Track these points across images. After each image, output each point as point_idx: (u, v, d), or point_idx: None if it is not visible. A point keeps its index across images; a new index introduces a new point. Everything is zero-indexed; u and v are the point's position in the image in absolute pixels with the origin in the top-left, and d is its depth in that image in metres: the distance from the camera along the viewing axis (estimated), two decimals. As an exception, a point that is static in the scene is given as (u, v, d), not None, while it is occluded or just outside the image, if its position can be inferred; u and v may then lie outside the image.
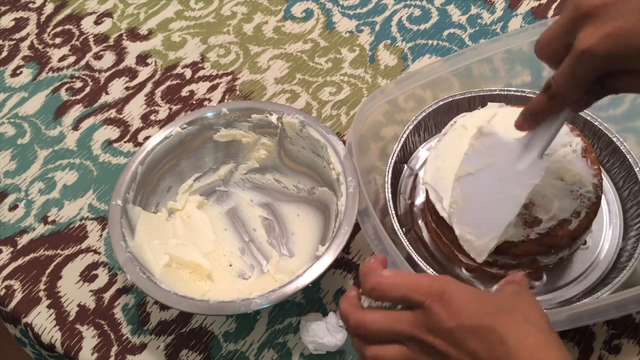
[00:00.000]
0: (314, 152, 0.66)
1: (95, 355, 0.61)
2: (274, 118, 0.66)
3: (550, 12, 0.86)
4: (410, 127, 0.70)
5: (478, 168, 0.56)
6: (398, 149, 0.68)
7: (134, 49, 0.86)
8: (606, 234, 0.65)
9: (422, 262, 0.60)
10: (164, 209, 0.67)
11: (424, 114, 0.70)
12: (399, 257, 0.56)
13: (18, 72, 0.85)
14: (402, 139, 0.69)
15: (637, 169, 0.65)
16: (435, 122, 0.72)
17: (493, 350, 0.42)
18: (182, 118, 0.67)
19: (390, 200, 0.64)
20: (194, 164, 0.69)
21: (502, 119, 0.61)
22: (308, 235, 0.67)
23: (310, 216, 0.68)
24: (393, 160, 0.67)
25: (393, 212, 0.63)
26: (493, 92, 0.71)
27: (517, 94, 0.70)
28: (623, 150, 0.66)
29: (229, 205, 0.70)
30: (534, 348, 0.41)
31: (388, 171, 0.67)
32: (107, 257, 0.68)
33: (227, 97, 0.80)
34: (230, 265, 0.65)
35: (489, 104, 0.68)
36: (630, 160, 0.65)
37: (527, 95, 0.70)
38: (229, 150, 0.69)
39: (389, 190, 0.65)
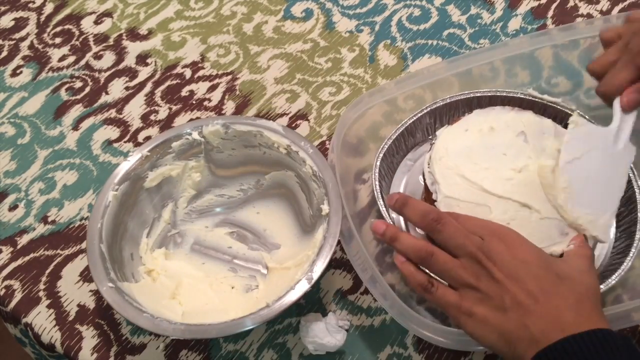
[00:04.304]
0: (247, 147, 0.67)
1: (95, 355, 0.62)
2: (195, 135, 0.65)
3: (550, 12, 0.86)
4: (391, 140, 0.69)
5: (582, 153, 0.59)
6: (379, 161, 0.68)
7: (134, 48, 0.86)
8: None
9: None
10: (141, 275, 0.63)
11: (404, 127, 0.70)
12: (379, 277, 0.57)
13: (18, 72, 0.85)
14: (383, 150, 0.69)
15: (633, 176, 0.65)
16: (416, 131, 0.72)
17: (548, 299, 0.47)
18: (109, 181, 0.63)
19: (381, 199, 0.64)
20: (138, 221, 0.66)
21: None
22: (280, 222, 0.68)
23: (270, 206, 0.69)
24: (376, 175, 0.67)
25: (386, 215, 0.63)
26: (488, 94, 0.71)
27: (516, 96, 0.70)
28: None
29: (188, 243, 0.68)
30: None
31: (375, 184, 0.66)
32: (107, 257, 0.68)
33: (227, 97, 0.80)
34: (233, 288, 0.65)
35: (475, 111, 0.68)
36: None
37: (524, 97, 0.70)
38: (162, 191, 0.67)
39: (379, 190, 0.65)
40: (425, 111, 0.70)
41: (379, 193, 0.65)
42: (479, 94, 0.71)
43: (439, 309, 0.61)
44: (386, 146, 0.68)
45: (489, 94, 0.70)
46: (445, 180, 0.60)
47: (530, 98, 0.69)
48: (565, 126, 0.61)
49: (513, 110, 0.65)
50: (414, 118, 0.70)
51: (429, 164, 0.62)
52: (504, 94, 0.70)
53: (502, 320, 0.48)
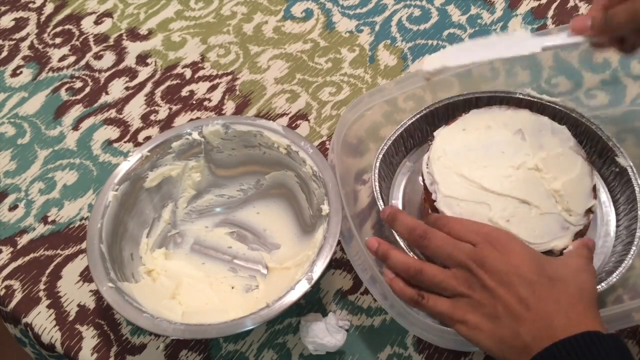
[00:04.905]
0: (247, 147, 0.67)
1: (95, 355, 0.62)
2: (195, 135, 0.66)
3: (550, 12, 0.86)
4: (390, 141, 0.69)
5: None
6: (378, 162, 0.67)
7: (134, 49, 0.86)
8: (600, 223, 0.65)
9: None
10: (141, 276, 0.63)
11: (419, 115, 0.70)
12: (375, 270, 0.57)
13: (18, 72, 0.85)
14: (383, 151, 0.68)
15: (633, 175, 0.65)
16: (415, 132, 0.71)
17: (540, 305, 0.47)
18: (109, 181, 0.63)
19: (381, 200, 0.64)
20: (138, 221, 0.66)
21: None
22: (280, 222, 0.68)
23: (270, 206, 0.69)
24: (376, 176, 0.66)
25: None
26: (487, 95, 0.71)
27: (514, 96, 0.70)
28: (602, 137, 0.66)
29: (188, 243, 0.68)
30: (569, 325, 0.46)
31: (375, 185, 0.65)
32: (107, 257, 0.68)
33: (227, 97, 0.80)
34: (233, 288, 0.64)
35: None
36: (610, 144, 0.65)
37: (523, 97, 0.70)
38: (162, 191, 0.67)
39: (379, 191, 0.65)
40: (424, 112, 0.70)
41: (379, 194, 0.64)
42: (477, 95, 0.70)
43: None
44: (385, 147, 0.68)
45: (488, 95, 0.70)
46: (444, 180, 0.60)
47: (529, 98, 0.69)
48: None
49: (510, 109, 0.65)
50: (413, 119, 0.70)
51: (427, 165, 0.62)
52: (503, 95, 0.70)
53: (495, 327, 0.48)
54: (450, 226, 0.53)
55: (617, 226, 0.64)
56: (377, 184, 0.65)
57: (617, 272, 0.58)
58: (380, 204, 0.64)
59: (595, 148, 0.67)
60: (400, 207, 0.68)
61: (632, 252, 0.59)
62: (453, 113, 0.70)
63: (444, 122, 0.71)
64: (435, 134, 0.64)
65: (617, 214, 0.65)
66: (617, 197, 0.66)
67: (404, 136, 0.70)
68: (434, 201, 0.60)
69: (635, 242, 0.60)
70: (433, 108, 0.70)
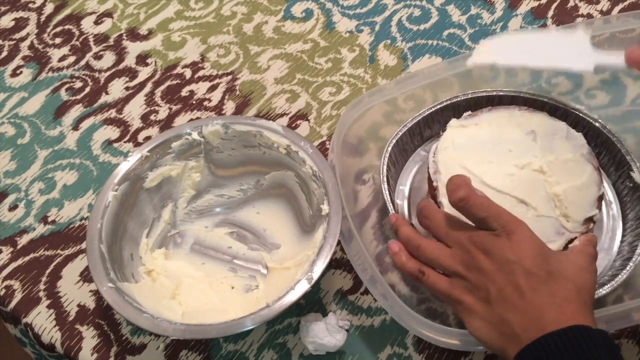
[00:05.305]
0: (246, 147, 0.67)
1: (95, 355, 0.62)
2: (195, 135, 0.66)
3: (550, 12, 0.86)
4: (406, 128, 0.69)
5: None
6: (391, 146, 0.68)
7: (134, 49, 0.86)
8: (605, 236, 0.64)
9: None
10: (141, 276, 0.63)
11: (421, 116, 0.70)
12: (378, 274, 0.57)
13: (18, 72, 0.85)
14: (397, 137, 0.69)
15: (635, 172, 0.64)
16: (434, 123, 0.71)
17: (535, 296, 0.47)
18: (109, 181, 0.63)
19: (389, 200, 0.64)
20: (138, 221, 0.65)
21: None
22: (280, 222, 0.68)
23: (270, 206, 0.69)
24: (386, 160, 0.67)
25: (392, 210, 0.63)
26: (491, 94, 0.71)
27: (515, 94, 0.70)
28: (622, 150, 0.65)
29: (188, 243, 0.68)
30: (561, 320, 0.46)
31: (382, 169, 0.66)
32: (107, 257, 0.68)
33: (227, 97, 0.80)
34: (233, 288, 0.64)
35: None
36: (627, 158, 0.65)
37: (524, 96, 0.69)
38: (162, 191, 0.67)
39: (387, 189, 0.65)
40: (445, 104, 0.70)
41: (385, 177, 0.64)
42: (502, 93, 0.70)
43: (439, 310, 0.61)
44: (400, 133, 0.68)
45: (512, 94, 0.69)
46: (447, 170, 0.60)
47: (554, 102, 0.68)
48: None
49: (528, 110, 0.65)
50: (432, 110, 0.70)
51: (434, 154, 0.62)
52: (527, 96, 0.69)
53: (487, 311, 0.49)
54: (477, 201, 0.51)
55: (622, 242, 0.64)
56: (385, 167, 0.65)
57: (620, 275, 0.58)
58: (385, 187, 0.64)
59: (614, 160, 0.66)
60: (406, 193, 0.69)
61: (628, 268, 0.59)
62: (474, 109, 0.70)
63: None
64: (448, 124, 0.64)
65: (623, 229, 0.65)
66: (627, 212, 0.65)
67: (421, 125, 0.70)
68: (435, 190, 0.60)
69: (634, 259, 0.59)
70: (455, 101, 0.70)
